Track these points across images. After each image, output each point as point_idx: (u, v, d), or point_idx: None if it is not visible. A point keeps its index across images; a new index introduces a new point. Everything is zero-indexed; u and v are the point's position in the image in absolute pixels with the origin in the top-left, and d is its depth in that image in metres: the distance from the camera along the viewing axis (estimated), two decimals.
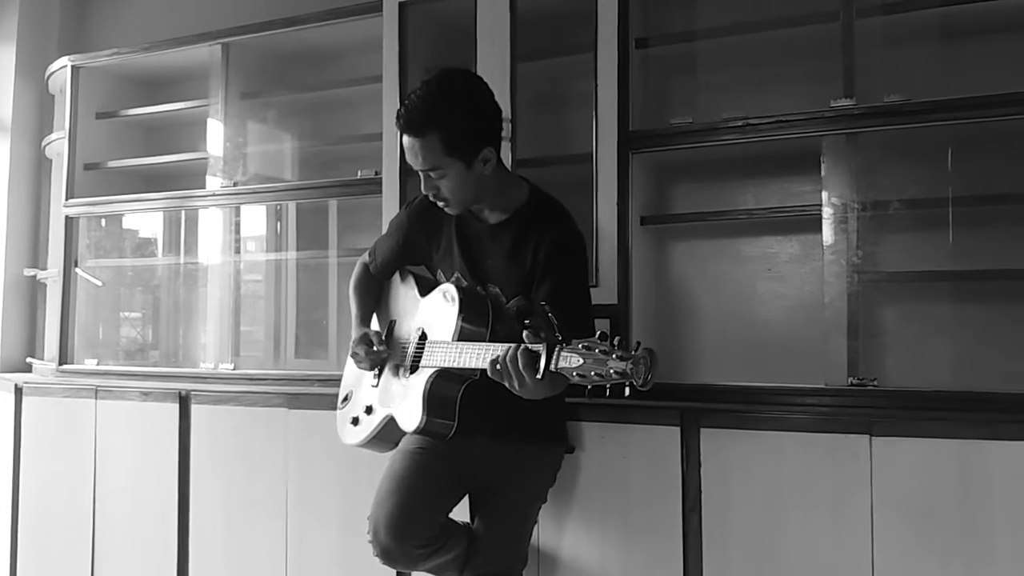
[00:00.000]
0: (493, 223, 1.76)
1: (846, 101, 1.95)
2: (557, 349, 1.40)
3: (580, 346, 1.37)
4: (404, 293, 1.92)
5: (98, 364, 2.98)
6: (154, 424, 2.60)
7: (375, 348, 1.82)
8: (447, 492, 1.76)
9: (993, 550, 1.64)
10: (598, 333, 1.38)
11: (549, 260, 1.68)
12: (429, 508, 1.69)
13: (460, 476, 1.77)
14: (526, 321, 1.50)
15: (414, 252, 1.89)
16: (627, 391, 1.33)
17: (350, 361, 1.93)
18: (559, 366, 1.39)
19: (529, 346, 1.45)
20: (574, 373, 1.37)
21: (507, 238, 1.74)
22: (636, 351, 1.32)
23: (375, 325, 1.96)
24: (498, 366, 1.48)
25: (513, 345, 1.48)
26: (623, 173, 2.12)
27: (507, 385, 1.49)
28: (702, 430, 1.89)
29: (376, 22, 2.44)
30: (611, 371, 1.32)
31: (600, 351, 1.34)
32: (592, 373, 1.34)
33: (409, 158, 1.67)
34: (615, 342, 1.34)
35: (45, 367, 3.14)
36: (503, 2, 2.25)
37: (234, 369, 2.72)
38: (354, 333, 1.88)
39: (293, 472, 2.37)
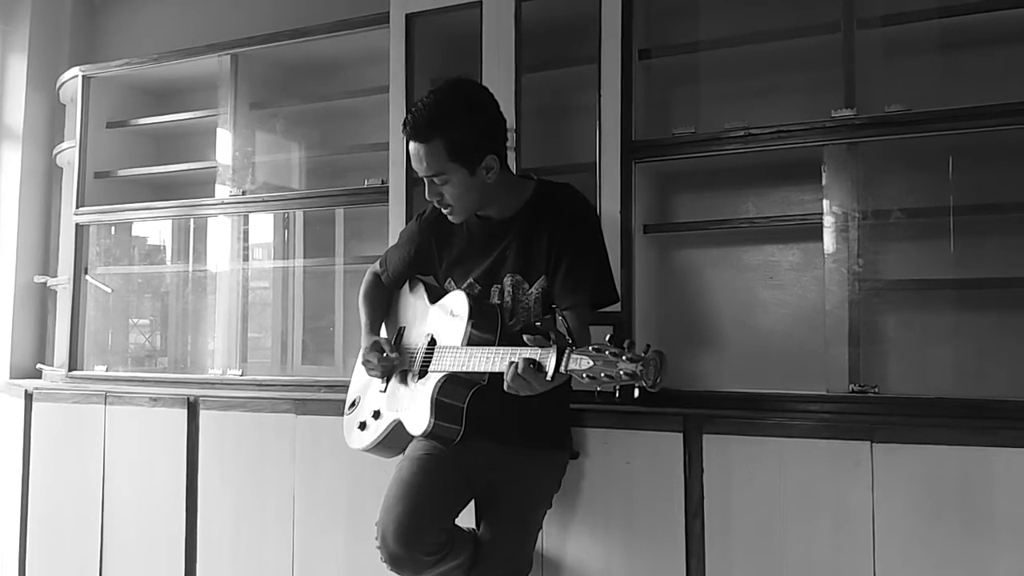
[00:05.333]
0: (503, 218, 1.79)
1: (847, 111, 1.97)
2: (567, 351, 1.42)
3: (590, 348, 1.39)
4: (413, 301, 1.95)
5: (107, 370, 3.02)
6: (163, 429, 2.62)
7: (386, 355, 1.84)
8: (454, 498, 1.78)
9: (994, 557, 1.65)
10: (607, 336, 1.40)
11: (565, 234, 1.71)
12: (437, 514, 1.70)
13: (467, 481, 1.78)
14: (537, 324, 1.52)
15: (425, 262, 1.92)
16: (636, 392, 1.35)
17: (358, 367, 1.96)
18: (569, 368, 1.41)
19: (535, 349, 1.47)
20: (584, 375, 1.39)
21: (520, 224, 1.76)
22: (646, 353, 1.34)
23: (384, 334, 1.98)
24: (519, 370, 1.49)
25: (521, 352, 1.50)
26: (626, 182, 2.15)
27: (520, 393, 1.51)
28: (705, 436, 1.90)
29: (383, 34, 2.47)
30: (621, 372, 1.34)
31: (610, 353, 1.36)
32: (602, 375, 1.36)
33: (414, 163, 1.71)
34: (625, 344, 1.37)
35: (55, 373, 3.17)
36: (508, 14, 2.28)
37: (242, 375, 2.74)
38: (364, 341, 1.90)
39: (300, 477, 2.39)
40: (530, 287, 1.75)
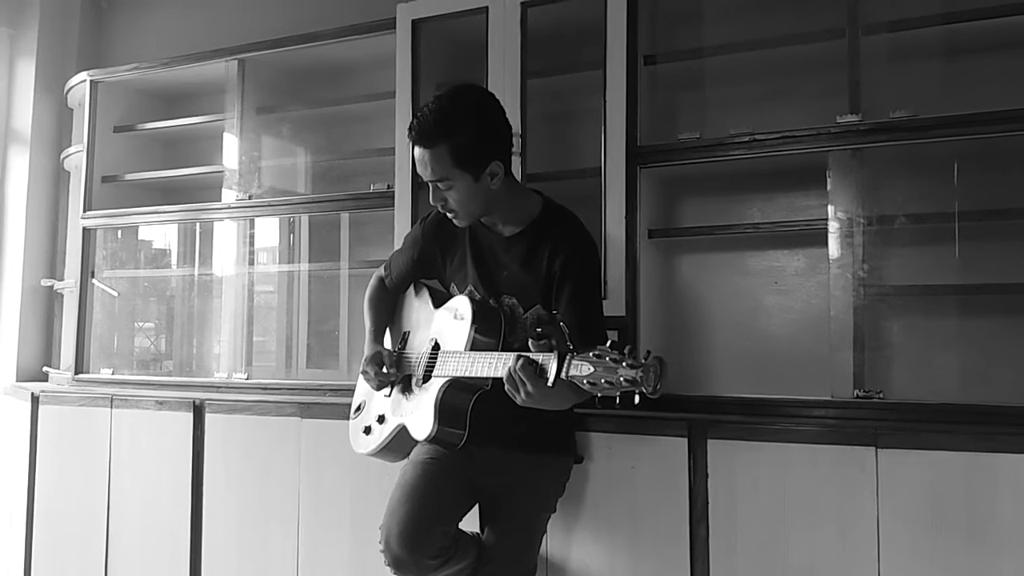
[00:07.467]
0: (508, 235, 1.79)
1: (852, 117, 1.97)
2: (568, 357, 1.42)
3: (591, 354, 1.39)
4: (418, 305, 1.95)
5: (113, 373, 3.02)
6: (168, 433, 2.63)
7: (385, 370, 1.85)
8: (458, 502, 1.78)
9: (999, 563, 1.65)
10: (609, 341, 1.40)
11: (565, 270, 1.70)
12: (440, 518, 1.71)
13: (471, 486, 1.79)
14: (539, 330, 1.53)
15: (429, 266, 1.92)
16: (637, 399, 1.35)
17: None
18: (570, 374, 1.42)
19: (536, 354, 1.48)
20: (584, 381, 1.39)
21: (521, 249, 1.76)
22: (646, 359, 1.34)
23: (387, 340, 1.99)
24: (515, 367, 1.50)
25: (523, 353, 1.50)
26: (631, 187, 2.15)
27: (518, 394, 1.51)
28: (709, 441, 1.90)
29: (389, 39, 2.48)
30: (621, 379, 1.34)
31: (611, 359, 1.37)
32: (602, 381, 1.37)
33: (419, 169, 1.72)
34: (625, 350, 1.37)
35: (61, 376, 3.18)
36: (514, 20, 2.29)
37: (247, 379, 2.75)
38: (367, 350, 1.91)
39: (305, 481, 2.39)
40: (525, 312, 1.76)
